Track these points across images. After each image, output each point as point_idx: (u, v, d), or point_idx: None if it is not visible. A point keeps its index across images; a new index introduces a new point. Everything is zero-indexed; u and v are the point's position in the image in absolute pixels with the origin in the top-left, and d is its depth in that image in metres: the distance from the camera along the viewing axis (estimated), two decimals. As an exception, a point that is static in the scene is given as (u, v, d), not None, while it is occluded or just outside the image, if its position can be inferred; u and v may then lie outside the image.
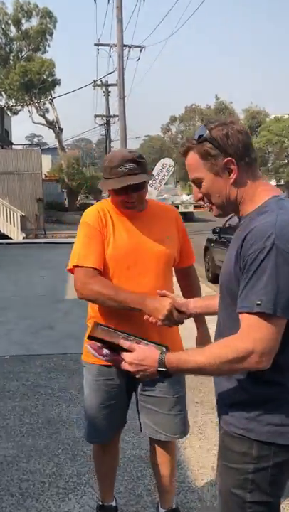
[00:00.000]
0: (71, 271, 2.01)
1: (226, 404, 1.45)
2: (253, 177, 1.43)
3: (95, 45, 22.93)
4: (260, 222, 1.32)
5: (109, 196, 2.09)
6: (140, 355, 1.47)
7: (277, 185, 29.32)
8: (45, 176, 27.36)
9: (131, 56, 22.53)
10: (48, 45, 28.38)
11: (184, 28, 41.72)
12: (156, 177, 16.46)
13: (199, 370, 1.36)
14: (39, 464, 2.96)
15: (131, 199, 1.96)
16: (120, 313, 1.91)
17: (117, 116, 25.37)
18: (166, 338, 1.89)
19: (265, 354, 1.26)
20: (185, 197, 28.04)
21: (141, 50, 20.82)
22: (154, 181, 16.53)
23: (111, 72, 22.82)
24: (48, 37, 27.86)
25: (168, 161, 17.11)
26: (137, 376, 1.49)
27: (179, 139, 52.23)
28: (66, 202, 31.71)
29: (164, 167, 16.54)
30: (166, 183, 16.68)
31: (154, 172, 16.54)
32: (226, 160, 1.39)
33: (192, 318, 1.98)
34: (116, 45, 19.40)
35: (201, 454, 3.04)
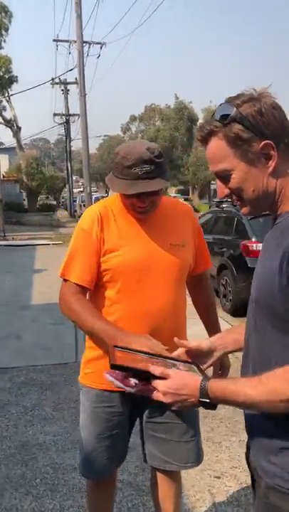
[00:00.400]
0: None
1: (268, 449, 1.14)
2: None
3: (54, 40, 22.42)
4: None
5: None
6: (177, 383, 1.18)
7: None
8: (3, 176, 26.52)
9: (91, 53, 22.12)
10: (4, 41, 27.51)
11: (144, 27, 41.44)
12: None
13: (251, 405, 1.11)
14: (15, 498, 2.62)
15: (143, 204, 1.67)
16: (129, 320, 1.68)
17: (77, 114, 24.96)
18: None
19: None
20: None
21: (101, 47, 20.48)
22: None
23: (71, 70, 22.31)
24: (3, 32, 26.98)
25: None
26: (173, 408, 1.22)
27: (139, 138, 52.07)
28: (26, 203, 30.93)
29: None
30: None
31: None
32: (262, 144, 1.10)
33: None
34: (75, 42, 18.97)
35: (195, 476, 2.77)
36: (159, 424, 1.81)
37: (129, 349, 1.45)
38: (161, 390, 1.19)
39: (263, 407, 1.09)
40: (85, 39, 19.12)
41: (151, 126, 48.90)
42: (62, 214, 33.92)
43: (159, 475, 1.91)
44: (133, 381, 1.31)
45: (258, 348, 1.17)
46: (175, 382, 1.18)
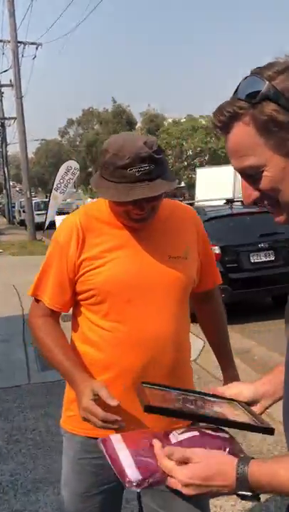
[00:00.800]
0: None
1: None
2: None
3: (-15, 41, 21.52)
4: None
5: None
6: (204, 470, 0.83)
7: (178, 188, 29.81)
8: None
9: (26, 53, 21.45)
10: None
11: (81, 28, 41.10)
12: (62, 180, 15.73)
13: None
14: None
15: (141, 211, 1.34)
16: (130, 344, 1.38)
17: (13, 118, 24.12)
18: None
19: None
20: (90, 201, 27.50)
21: (37, 48, 19.83)
22: (59, 185, 15.78)
23: (5, 71, 21.44)
24: None
25: (73, 164, 16.50)
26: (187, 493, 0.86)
27: (77, 143, 51.43)
28: None
29: (68, 170, 15.87)
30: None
31: (58, 176, 15.84)
32: None
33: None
34: (9, 42, 18.28)
35: None
36: (160, 492, 1.19)
37: (160, 385, 1.17)
38: (181, 481, 0.85)
39: None
40: (20, 39, 18.46)
41: (89, 130, 48.47)
42: (0, 221, 32.72)
43: None
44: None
45: None
46: (202, 469, 0.84)
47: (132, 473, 0.92)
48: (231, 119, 0.83)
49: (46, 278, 1.45)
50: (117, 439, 1.02)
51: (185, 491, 0.85)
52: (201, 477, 0.83)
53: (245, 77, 0.84)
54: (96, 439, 1.22)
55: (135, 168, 1.28)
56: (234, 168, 0.89)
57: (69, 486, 1.49)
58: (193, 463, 0.85)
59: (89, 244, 1.40)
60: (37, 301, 1.47)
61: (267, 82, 0.79)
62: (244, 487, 0.81)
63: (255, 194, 0.86)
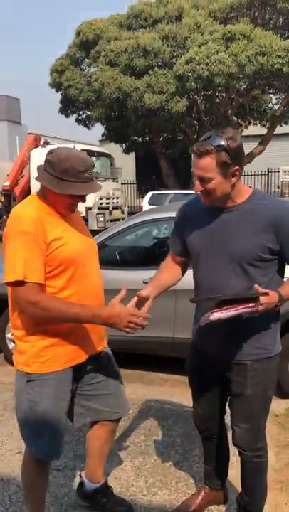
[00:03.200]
0: (10, 284, 1.86)
1: (253, 340, 2.00)
2: (240, 179, 1.93)
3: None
4: (279, 205, 1.94)
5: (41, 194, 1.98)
6: (271, 298, 1.81)
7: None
8: None
9: None
10: None
11: None
12: None
13: None
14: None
15: (78, 201, 1.98)
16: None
17: None
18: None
19: None
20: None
21: None
22: None
23: None
24: None
25: None
26: (261, 311, 1.81)
27: None
28: None
29: None
30: None
31: None
32: (235, 168, 1.84)
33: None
34: None
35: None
36: (98, 383, 2.14)
37: (209, 298, 1.88)
38: (264, 302, 1.78)
39: None
40: None
41: None
42: None
43: (98, 427, 2.21)
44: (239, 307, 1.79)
45: (240, 285, 1.94)
46: (271, 294, 1.81)
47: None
48: (205, 153, 1.81)
49: (33, 262, 1.82)
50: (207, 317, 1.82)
51: (262, 307, 1.79)
52: (270, 300, 1.80)
53: (213, 135, 1.81)
54: (64, 371, 1.98)
55: (89, 172, 1.90)
56: (196, 176, 1.87)
57: (48, 415, 1.96)
58: (268, 295, 1.80)
59: (49, 230, 1.87)
60: (20, 284, 1.81)
61: (225, 142, 1.78)
62: (281, 301, 1.86)
63: (201, 188, 1.88)
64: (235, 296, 1.83)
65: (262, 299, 1.78)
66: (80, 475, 2.47)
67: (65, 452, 2.82)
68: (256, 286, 1.79)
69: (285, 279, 2.02)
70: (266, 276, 1.94)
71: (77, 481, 2.54)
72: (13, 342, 4.66)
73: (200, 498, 2.39)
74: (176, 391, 3.87)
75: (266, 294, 1.79)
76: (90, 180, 1.92)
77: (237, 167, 1.83)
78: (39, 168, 1.94)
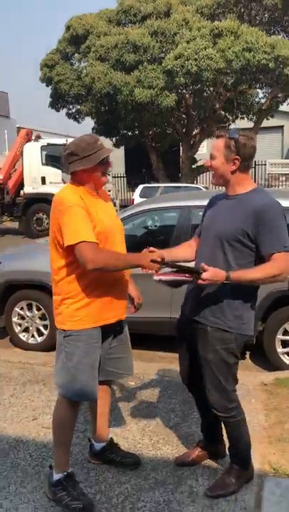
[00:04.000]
0: (71, 247, 2.24)
1: (215, 309, 2.34)
2: (246, 173, 2.33)
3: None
4: (264, 200, 2.26)
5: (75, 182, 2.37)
6: (214, 273, 2.16)
7: None
8: None
9: None
10: None
11: None
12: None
13: (252, 281, 2.24)
14: None
15: (107, 169, 2.41)
16: (103, 282, 2.34)
17: None
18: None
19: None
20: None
21: None
22: None
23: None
24: None
25: None
26: (205, 284, 2.18)
27: None
28: None
29: None
30: None
31: None
32: (235, 157, 2.26)
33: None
34: None
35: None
36: (116, 347, 2.53)
37: (159, 262, 2.25)
38: (206, 277, 2.13)
39: (260, 281, 2.24)
40: None
41: None
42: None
43: (102, 388, 2.52)
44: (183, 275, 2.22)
45: (222, 260, 2.30)
46: (213, 273, 2.15)
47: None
48: (219, 136, 2.30)
49: (88, 227, 2.24)
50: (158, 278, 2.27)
51: (205, 282, 2.14)
52: (213, 276, 2.15)
53: (235, 129, 2.31)
54: (95, 329, 2.36)
55: (99, 141, 2.35)
56: (210, 153, 2.34)
57: (82, 364, 2.33)
58: (210, 270, 2.15)
59: (88, 207, 2.28)
60: (83, 245, 2.20)
61: (238, 136, 2.25)
62: (228, 279, 2.16)
63: (209, 163, 2.33)
64: (183, 267, 2.23)
65: (204, 274, 2.13)
66: (89, 439, 2.81)
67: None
68: (202, 264, 2.17)
69: None
70: (239, 265, 2.24)
71: (87, 441, 2.87)
72: (19, 326, 4.97)
73: (198, 451, 2.74)
74: (173, 367, 4.20)
75: (208, 271, 2.14)
76: (103, 147, 2.34)
77: (237, 157, 2.24)
78: (64, 165, 2.38)
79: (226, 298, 2.29)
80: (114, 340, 2.53)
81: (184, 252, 2.59)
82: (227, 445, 2.59)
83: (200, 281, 2.16)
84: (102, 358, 2.46)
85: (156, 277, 2.26)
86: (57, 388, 2.45)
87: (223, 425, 2.54)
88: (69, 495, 2.37)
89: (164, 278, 2.25)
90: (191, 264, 2.40)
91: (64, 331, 2.36)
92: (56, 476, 2.43)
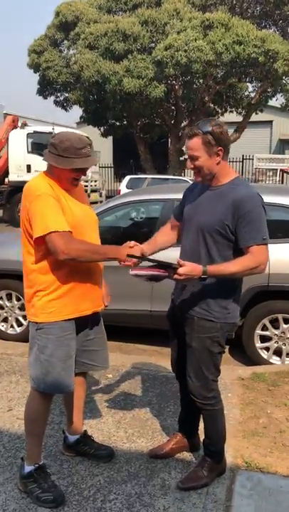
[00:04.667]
0: (42, 238, 2.19)
1: (201, 301, 2.37)
2: (226, 160, 2.30)
3: None
4: (244, 192, 2.25)
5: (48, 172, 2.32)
6: (190, 268, 2.16)
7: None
8: None
9: None
10: None
11: None
12: None
13: (230, 275, 2.24)
14: None
15: (81, 176, 2.32)
16: (77, 273, 2.31)
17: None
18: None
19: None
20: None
21: None
22: None
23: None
24: None
25: None
26: (184, 283, 2.26)
27: None
28: None
29: None
30: None
31: None
32: (218, 148, 2.24)
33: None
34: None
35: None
36: (91, 340, 2.51)
37: (135, 256, 2.29)
38: (182, 273, 2.13)
39: (238, 274, 2.26)
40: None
41: None
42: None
43: (76, 380, 2.48)
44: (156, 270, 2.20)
45: (205, 253, 2.31)
46: (190, 267, 2.15)
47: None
48: (192, 135, 2.23)
49: (60, 216, 2.19)
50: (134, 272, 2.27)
51: (181, 277, 2.15)
52: (189, 271, 2.15)
53: (204, 121, 2.25)
54: (68, 321, 2.33)
55: (86, 149, 2.25)
56: (188, 156, 2.28)
57: (54, 356, 2.30)
58: (186, 266, 2.15)
59: (60, 198, 2.24)
60: (54, 235, 2.15)
61: (211, 127, 2.20)
62: (204, 274, 2.17)
63: (192, 166, 2.28)
64: (161, 262, 2.23)
65: (180, 269, 2.13)
66: (63, 431, 2.80)
67: (52, 409, 3.14)
68: (178, 259, 2.18)
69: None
70: (221, 257, 2.26)
71: (62, 433, 2.85)
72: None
73: (172, 443, 2.75)
74: (152, 360, 4.21)
75: (185, 266, 2.15)
76: (88, 155, 2.26)
77: (220, 148, 2.21)
78: (45, 152, 2.30)
79: (211, 290, 2.31)
80: (91, 333, 2.51)
81: (165, 239, 2.62)
82: (202, 438, 2.61)
83: (176, 277, 2.16)
84: (77, 350, 2.44)
85: (132, 272, 2.25)
86: (30, 381, 2.42)
87: (201, 418, 2.55)
88: (40, 487, 2.36)
89: (139, 273, 2.24)
90: (176, 252, 2.42)
91: (36, 323, 2.33)
92: (27, 468, 2.41)
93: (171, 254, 2.46)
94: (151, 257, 2.34)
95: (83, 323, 2.43)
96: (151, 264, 2.26)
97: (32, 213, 2.20)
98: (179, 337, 2.53)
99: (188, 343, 2.41)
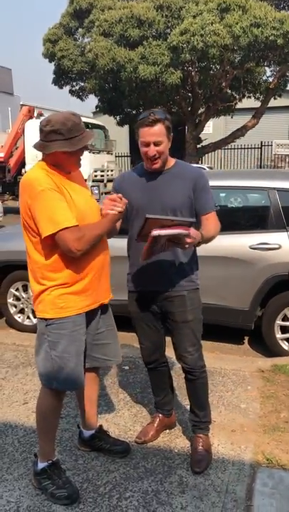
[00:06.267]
0: (52, 236, 2.09)
1: (184, 275, 2.51)
2: None
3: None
4: (197, 170, 2.55)
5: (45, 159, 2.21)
6: (197, 232, 2.29)
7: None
8: None
9: None
10: None
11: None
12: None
13: (211, 238, 2.45)
14: None
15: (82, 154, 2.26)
16: (84, 267, 2.22)
17: None
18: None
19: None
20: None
21: None
22: None
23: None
24: None
25: None
26: (186, 246, 2.25)
27: None
28: None
29: None
30: None
31: None
32: (171, 135, 2.40)
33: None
34: None
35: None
36: (102, 333, 2.42)
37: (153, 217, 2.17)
38: (193, 235, 2.21)
39: (210, 239, 2.45)
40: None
41: None
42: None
43: (89, 374, 2.46)
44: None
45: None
46: (196, 231, 2.27)
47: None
48: (157, 121, 2.31)
49: (66, 210, 2.10)
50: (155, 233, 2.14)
51: (191, 240, 2.21)
52: (197, 233, 2.28)
53: (155, 110, 2.35)
54: (79, 315, 2.24)
55: (82, 123, 2.16)
56: (151, 142, 2.33)
57: (66, 352, 2.22)
58: (192, 231, 2.24)
59: (62, 189, 2.13)
60: (63, 232, 2.07)
61: (165, 115, 2.37)
62: (202, 238, 2.33)
63: (156, 151, 2.34)
64: (173, 219, 2.24)
65: (192, 231, 2.23)
66: (78, 425, 2.73)
67: (67, 402, 3.09)
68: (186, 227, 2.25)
69: None
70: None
71: (77, 427, 2.80)
72: (14, 307, 4.90)
73: (155, 425, 2.81)
74: (168, 351, 4.12)
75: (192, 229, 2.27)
76: (85, 129, 2.20)
77: (172, 133, 2.40)
78: (37, 143, 2.17)
79: (189, 261, 2.51)
80: (101, 326, 2.44)
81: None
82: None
83: (189, 240, 2.21)
84: (88, 344, 2.37)
85: (154, 232, 2.12)
86: (40, 379, 2.34)
87: (192, 389, 2.64)
88: (54, 483, 2.31)
89: (162, 232, 2.13)
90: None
91: (46, 319, 2.23)
92: (41, 465, 2.36)
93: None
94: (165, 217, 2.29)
95: (93, 317, 2.36)
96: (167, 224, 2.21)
97: (37, 211, 2.08)
98: (155, 323, 2.60)
99: (180, 319, 2.50)
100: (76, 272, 2.20)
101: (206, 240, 2.42)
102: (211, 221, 2.48)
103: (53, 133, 2.12)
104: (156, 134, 2.31)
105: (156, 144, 2.33)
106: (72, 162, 2.22)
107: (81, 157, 2.25)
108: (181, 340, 2.53)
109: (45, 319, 2.23)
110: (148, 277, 2.50)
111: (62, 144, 2.12)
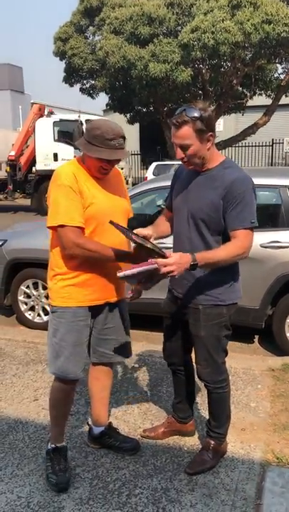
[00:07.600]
0: (53, 228, 2.21)
1: (204, 288, 2.31)
2: (214, 144, 2.20)
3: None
4: (236, 174, 2.18)
5: (79, 157, 2.31)
6: (179, 258, 2.03)
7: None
8: None
9: None
10: None
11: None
12: None
13: (218, 262, 2.14)
14: None
15: (109, 167, 2.23)
16: (92, 264, 2.24)
17: None
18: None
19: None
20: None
21: None
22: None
23: None
24: None
25: None
26: (175, 273, 2.00)
27: None
28: None
29: None
30: None
31: None
32: (209, 134, 2.13)
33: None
34: None
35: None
36: (110, 328, 2.43)
37: (134, 240, 2.08)
38: (172, 262, 1.98)
39: (224, 262, 2.15)
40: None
41: None
42: None
43: (99, 370, 2.54)
44: (151, 260, 2.00)
45: (195, 241, 2.26)
46: (178, 256, 2.03)
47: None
48: (182, 123, 2.09)
49: (74, 209, 2.15)
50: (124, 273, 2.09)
51: (172, 268, 1.98)
52: (178, 261, 2.00)
53: (189, 107, 2.09)
54: (81, 308, 2.30)
55: (116, 141, 2.15)
56: (177, 145, 2.15)
57: (64, 340, 2.30)
58: (173, 257, 2.02)
59: (82, 187, 2.19)
60: (63, 229, 2.15)
61: (199, 113, 2.07)
62: (194, 262, 2.04)
63: (183, 155, 2.16)
64: (132, 235, 2.06)
65: (170, 258, 1.99)
66: (88, 422, 2.75)
67: (77, 400, 3.11)
68: (166, 251, 2.07)
69: None
70: (218, 243, 2.21)
71: (87, 424, 2.81)
72: (25, 304, 4.93)
73: (164, 426, 2.77)
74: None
75: (173, 256, 2.02)
76: (117, 148, 2.16)
77: (211, 133, 2.13)
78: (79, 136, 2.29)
79: (212, 273, 2.26)
80: (109, 321, 2.45)
81: (164, 230, 2.51)
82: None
83: (166, 269, 1.99)
84: (94, 338, 2.44)
85: (119, 274, 2.10)
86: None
87: (208, 399, 2.54)
88: (51, 467, 2.43)
89: (127, 273, 2.07)
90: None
91: (52, 306, 2.36)
92: (48, 446, 2.51)
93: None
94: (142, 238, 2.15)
95: (99, 312, 2.40)
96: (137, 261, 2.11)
97: (50, 202, 2.22)
98: (179, 327, 2.51)
99: (194, 332, 2.38)
100: (81, 267, 2.26)
101: (213, 264, 2.15)
102: (234, 240, 2.14)
103: (86, 130, 2.26)
104: (181, 137, 2.11)
105: (182, 148, 2.14)
106: (92, 167, 2.23)
107: (105, 169, 2.22)
108: (196, 351, 2.45)
109: (53, 306, 2.36)
110: (176, 281, 2.39)
111: (83, 144, 2.21)
